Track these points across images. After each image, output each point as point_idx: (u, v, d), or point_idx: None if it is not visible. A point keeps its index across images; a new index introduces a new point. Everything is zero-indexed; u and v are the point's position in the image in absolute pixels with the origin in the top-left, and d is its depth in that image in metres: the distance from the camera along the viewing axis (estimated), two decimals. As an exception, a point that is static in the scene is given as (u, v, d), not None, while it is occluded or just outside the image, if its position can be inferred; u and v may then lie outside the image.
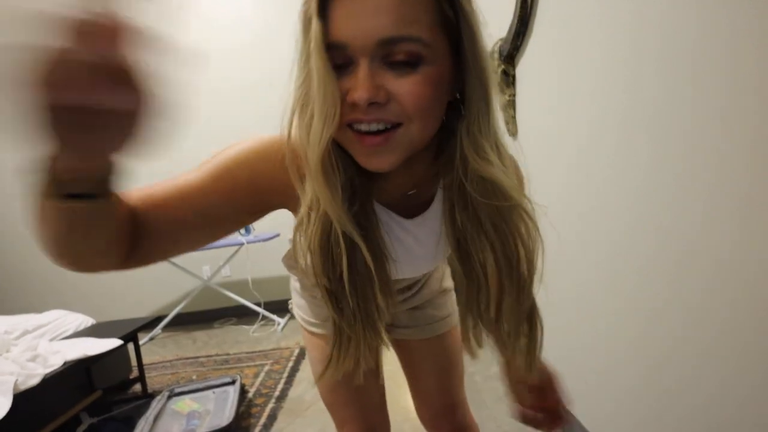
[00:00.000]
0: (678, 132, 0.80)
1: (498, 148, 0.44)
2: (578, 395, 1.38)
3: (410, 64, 0.37)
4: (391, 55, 0.37)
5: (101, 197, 0.34)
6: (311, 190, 0.44)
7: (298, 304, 0.83)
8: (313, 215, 0.46)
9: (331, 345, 0.54)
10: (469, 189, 0.45)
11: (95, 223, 0.37)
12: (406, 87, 0.37)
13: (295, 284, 0.81)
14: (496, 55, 1.61)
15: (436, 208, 0.55)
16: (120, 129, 0.26)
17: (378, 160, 0.41)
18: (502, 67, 1.59)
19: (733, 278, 0.71)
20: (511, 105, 1.62)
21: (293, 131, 0.43)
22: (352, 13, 0.36)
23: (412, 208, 0.54)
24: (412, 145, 0.41)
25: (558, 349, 1.50)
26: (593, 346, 1.26)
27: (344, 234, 0.45)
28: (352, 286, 0.49)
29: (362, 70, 0.37)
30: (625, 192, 1.00)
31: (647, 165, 0.90)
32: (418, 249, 0.57)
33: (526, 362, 0.54)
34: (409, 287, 0.78)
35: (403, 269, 0.58)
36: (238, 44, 3.08)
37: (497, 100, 0.44)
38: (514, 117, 1.63)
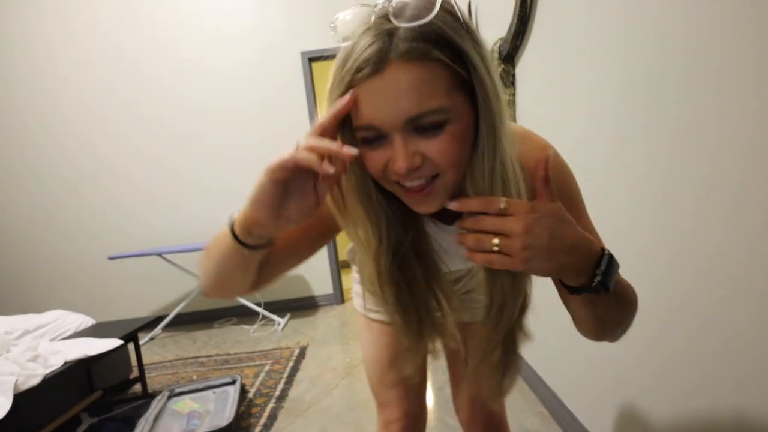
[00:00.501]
0: (682, 132, 0.80)
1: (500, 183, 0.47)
2: (585, 398, 1.38)
3: (436, 128, 0.42)
4: (419, 126, 0.42)
5: (267, 247, 0.50)
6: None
7: (357, 292, 0.93)
8: (359, 254, 0.56)
9: (403, 341, 0.62)
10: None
11: (254, 262, 0.52)
12: (436, 146, 0.43)
13: (355, 275, 0.91)
14: (496, 55, 1.61)
15: None
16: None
17: (425, 206, 0.48)
18: (502, 67, 1.59)
19: (750, 280, 0.70)
20: (510, 105, 1.62)
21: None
22: (377, 100, 0.41)
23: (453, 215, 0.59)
24: (451, 187, 0.47)
25: (565, 353, 1.50)
26: (602, 352, 1.26)
27: (393, 261, 0.54)
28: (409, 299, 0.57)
29: (397, 144, 0.43)
30: (628, 190, 1.00)
31: (648, 164, 0.90)
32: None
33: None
34: (458, 279, 0.80)
35: (454, 263, 0.64)
36: (239, 62, 3.06)
37: (506, 144, 0.46)
38: (513, 116, 1.63)
